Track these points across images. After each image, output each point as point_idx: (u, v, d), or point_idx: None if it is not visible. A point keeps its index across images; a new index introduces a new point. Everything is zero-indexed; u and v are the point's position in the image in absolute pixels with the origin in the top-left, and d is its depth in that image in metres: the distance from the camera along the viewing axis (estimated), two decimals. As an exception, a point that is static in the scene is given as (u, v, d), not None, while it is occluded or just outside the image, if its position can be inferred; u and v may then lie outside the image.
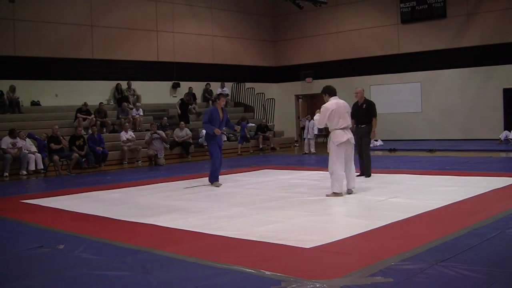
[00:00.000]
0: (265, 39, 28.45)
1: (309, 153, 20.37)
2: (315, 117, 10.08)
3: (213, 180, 11.73)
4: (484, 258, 5.39)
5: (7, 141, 16.02)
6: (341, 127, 9.62)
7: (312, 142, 20.66)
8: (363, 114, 12.26)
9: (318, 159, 18.55)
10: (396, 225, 7.09)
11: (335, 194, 9.58)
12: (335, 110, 9.62)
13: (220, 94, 12.25)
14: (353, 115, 11.81)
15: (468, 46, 22.97)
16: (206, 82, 25.08)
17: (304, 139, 21.06)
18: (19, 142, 16.19)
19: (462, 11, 23.03)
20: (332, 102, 9.74)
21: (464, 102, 23.05)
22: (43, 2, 20.28)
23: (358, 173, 11.93)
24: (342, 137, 9.57)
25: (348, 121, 9.77)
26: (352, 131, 10.15)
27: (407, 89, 24.02)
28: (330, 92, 9.88)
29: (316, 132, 20.91)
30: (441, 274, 4.90)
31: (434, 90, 23.69)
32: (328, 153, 10.00)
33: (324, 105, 9.75)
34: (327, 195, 9.69)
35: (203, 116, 11.59)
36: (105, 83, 21.99)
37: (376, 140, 22.44)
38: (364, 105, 12.34)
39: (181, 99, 22.35)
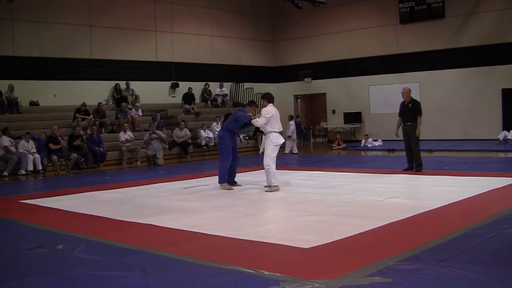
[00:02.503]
0: (263, 39, 28.45)
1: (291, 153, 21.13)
2: (259, 120, 10.93)
3: (223, 181, 11.37)
4: (483, 258, 5.39)
5: (6, 139, 16.04)
6: (278, 130, 10.85)
7: (290, 143, 21.50)
8: (409, 113, 13.08)
9: (318, 159, 18.56)
10: (395, 225, 7.09)
11: (275, 187, 10.55)
12: (274, 115, 10.86)
13: (252, 102, 12.16)
14: (401, 113, 13.26)
15: (467, 46, 22.98)
16: (205, 82, 25.04)
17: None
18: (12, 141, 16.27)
19: (461, 11, 23.03)
20: (272, 108, 10.96)
21: (463, 102, 23.06)
22: (42, 2, 20.26)
23: (405, 168, 13.17)
24: (279, 139, 10.80)
25: (281, 127, 11.02)
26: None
27: (406, 89, 24.02)
28: (270, 99, 11.16)
29: (290, 133, 21.61)
30: (440, 274, 4.90)
31: (433, 90, 23.68)
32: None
33: (265, 109, 10.94)
34: (268, 191, 10.53)
35: (236, 111, 11.46)
36: (104, 83, 21.97)
37: (376, 140, 22.47)
38: (410, 104, 13.11)
39: None
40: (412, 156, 13.16)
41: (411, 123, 12.98)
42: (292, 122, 21.46)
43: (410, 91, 13.41)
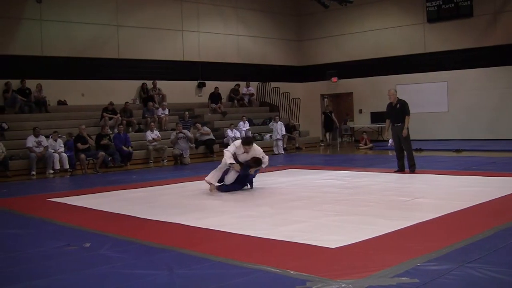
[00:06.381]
0: (290, 38, 28.41)
1: (278, 153, 21.13)
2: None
3: None
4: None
5: (31, 140, 16.20)
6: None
7: (280, 143, 21.59)
8: (398, 114, 13.04)
9: (344, 159, 18.48)
10: (422, 225, 7.04)
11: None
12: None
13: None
14: (388, 115, 13.28)
15: (495, 45, 22.69)
16: (232, 82, 25.09)
17: (273, 140, 21.83)
18: (44, 141, 16.36)
19: (489, 10, 22.77)
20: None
21: (491, 102, 22.78)
22: (70, 3, 20.48)
23: (396, 170, 13.15)
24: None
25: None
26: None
27: (433, 89, 23.81)
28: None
29: (283, 133, 21.84)
30: (467, 276, 4.85)
31: (460, 90, 23.45)
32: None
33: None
34: None
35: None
36: (131, 82, 22.12)
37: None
38: (398, 105, 13.10)
39: None
40: (403, 157, 13.14)
41: (400, 123, 12.94)
42: (275, 123, 21.88)
43: (396, 92, 13.52)
